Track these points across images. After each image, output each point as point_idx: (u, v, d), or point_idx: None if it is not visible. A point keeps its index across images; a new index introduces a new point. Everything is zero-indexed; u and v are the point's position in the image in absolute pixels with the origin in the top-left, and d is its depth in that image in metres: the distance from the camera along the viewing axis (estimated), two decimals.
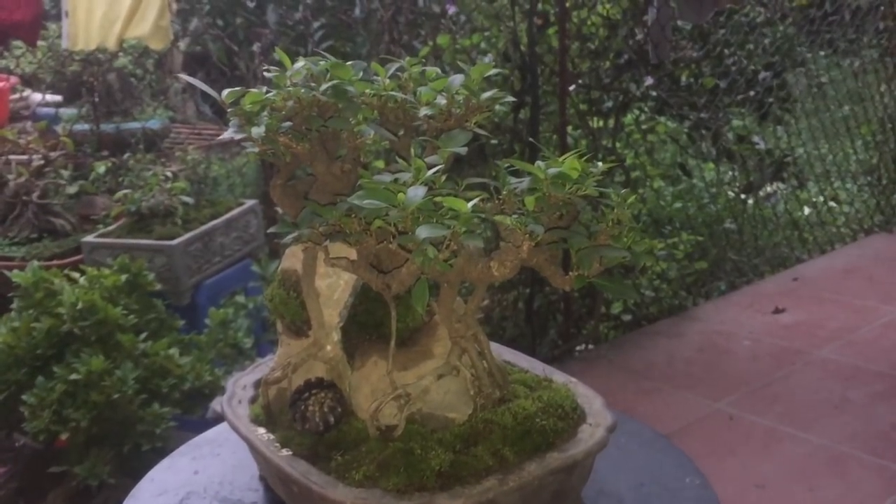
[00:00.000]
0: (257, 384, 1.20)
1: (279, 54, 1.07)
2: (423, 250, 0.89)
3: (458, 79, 1.07)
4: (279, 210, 1.19)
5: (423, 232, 0.86)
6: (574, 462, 1.00)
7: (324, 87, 1.02)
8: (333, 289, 1.13)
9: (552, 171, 0.91)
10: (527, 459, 1.00)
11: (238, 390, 1.21)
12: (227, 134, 1.06)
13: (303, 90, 1.02)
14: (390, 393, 1.03)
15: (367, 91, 1.05)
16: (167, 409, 2.45)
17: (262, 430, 1.10)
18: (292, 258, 1.17)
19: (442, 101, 1.06)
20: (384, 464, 0.99)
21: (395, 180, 0.92)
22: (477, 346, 1.07)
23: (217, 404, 1.18)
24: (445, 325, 1.05)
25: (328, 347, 1.11)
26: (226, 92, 1.06)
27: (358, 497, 0.96)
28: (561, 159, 0.92)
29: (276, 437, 1.08)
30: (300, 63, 1.06)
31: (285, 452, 1.05)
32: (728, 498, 1.12)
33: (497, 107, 1.18)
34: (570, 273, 0.95)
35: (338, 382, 1.10)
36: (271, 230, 1.10)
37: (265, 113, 1.04)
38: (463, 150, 1.02)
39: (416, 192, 0.88)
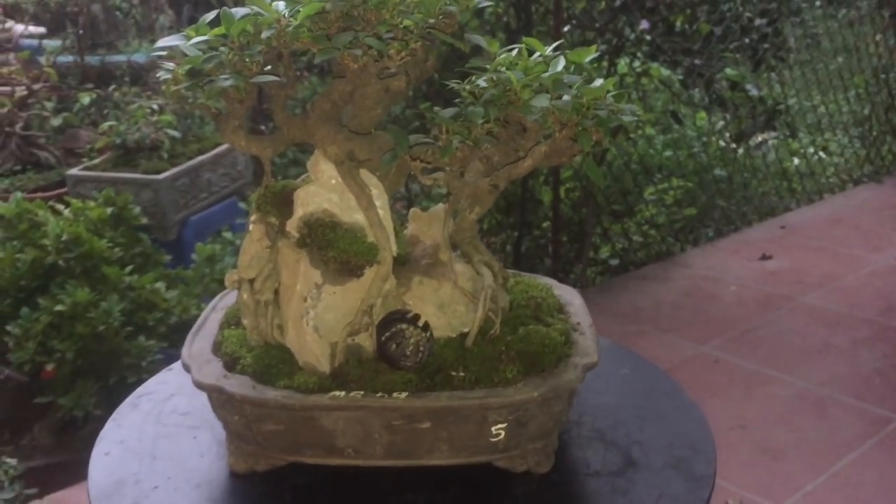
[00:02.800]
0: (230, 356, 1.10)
1: None
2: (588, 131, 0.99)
3: None
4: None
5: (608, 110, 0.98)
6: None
7: None
8: None
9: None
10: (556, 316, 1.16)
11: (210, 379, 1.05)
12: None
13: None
14: (483, 298, 1.05)
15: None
16: (153, 342, 2.45)
17: (341, 394, 0.99)
18: (315, 198, 1.06)
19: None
20: (521, 356, 1.03)
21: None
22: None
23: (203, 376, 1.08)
24: (469, 226, 1.10)
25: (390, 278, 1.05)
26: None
27: (552, 385, 1.00)
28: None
29: (369, 392, 0.99)
30: None
31: (405, 395, 0.98)
32: None
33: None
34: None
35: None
36: (389, 155, 1.01)
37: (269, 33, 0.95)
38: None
39: (572, 78, 0.98)
